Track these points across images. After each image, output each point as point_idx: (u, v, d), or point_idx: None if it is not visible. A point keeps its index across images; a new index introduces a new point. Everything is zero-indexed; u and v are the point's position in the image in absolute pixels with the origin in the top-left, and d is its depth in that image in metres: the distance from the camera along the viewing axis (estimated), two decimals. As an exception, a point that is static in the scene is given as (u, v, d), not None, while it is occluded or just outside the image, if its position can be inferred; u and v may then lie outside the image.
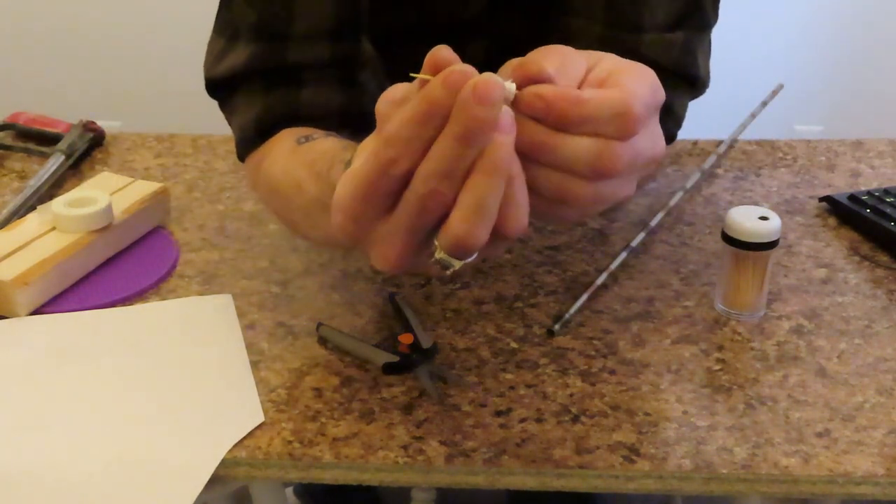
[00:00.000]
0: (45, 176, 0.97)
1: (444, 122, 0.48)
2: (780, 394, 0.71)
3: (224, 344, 0.76)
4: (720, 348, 0.76)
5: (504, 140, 0.49)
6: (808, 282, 0.84)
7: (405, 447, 0.65)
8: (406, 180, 0.51)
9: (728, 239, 0.77)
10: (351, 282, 0.83)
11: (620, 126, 0.51)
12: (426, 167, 0.49)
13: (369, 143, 0.55)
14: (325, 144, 0.73)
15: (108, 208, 0.85)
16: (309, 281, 0.84)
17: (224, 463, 0.64)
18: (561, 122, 0.51)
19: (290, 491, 1.41)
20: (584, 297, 0.80)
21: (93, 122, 1.08)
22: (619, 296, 0.82)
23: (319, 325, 0.76)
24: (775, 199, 0.98)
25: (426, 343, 0.74)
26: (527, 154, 0.51)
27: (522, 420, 0.68)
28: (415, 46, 0.92)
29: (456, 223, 0.50)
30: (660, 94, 0.55)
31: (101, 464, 0.64)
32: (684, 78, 0.83)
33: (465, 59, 0.93)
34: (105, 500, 0.62)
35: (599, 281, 0.82)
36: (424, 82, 0.50)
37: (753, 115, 1.07)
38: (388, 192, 0.51)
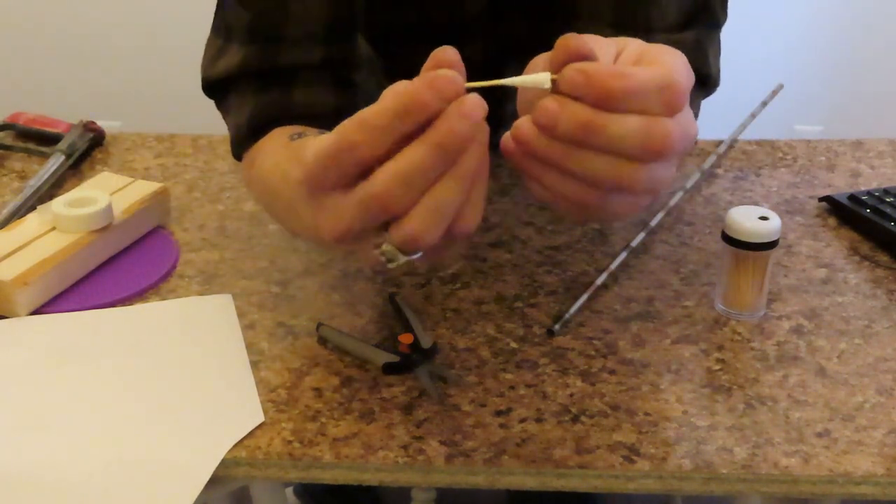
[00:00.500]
0: (45, 176, 0.98)
1: (416, 123, 0.48)
2: (780, 394, 0.71)
3: (224, 344, 0.76)
4: (720, 348, 0.76)
5: (479, 148, 0.48)
6: (808, 282, 0.84)
7: (405, 447, 0.65)
8: (366, 166, 0.50)
9: (728, 239, 0.77)
10: (351, 282, 0.83)
11: (667, 100, 0.49)
12: (390, 167, 0.48)
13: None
14: (318, 140, 0.73)
15: (108, 208, 0.85)
16: (309, 281, 0.84)
17: (224, 463, 0.64)
18: (605, 98, 0.49)
19: (290, 491, 1.41)
20: (584, 297, 0.80)
21: (93, 122, 1.08)
22: (619, 296, 0.82)
23: (319, 325, 0.76)
24: (775, 199, 0.98)
25: (426, 343, 0.74)
26: (574, 138, 0.49)
27: (522, 420, 0.68)
28: (414, 46, 0.92)
29: (412, 221, 0.49)
30: (692, 75, 0.54)
31: (101, 464, 0.64)
32: (696, 78, 0.82)
33: (464, 60, 0.93)
34: (105, 500, 0.62)
35: (599, 281, 0.82)
36: None
37: (753, 115, 1.07)
38: (346, 171, 0.50)
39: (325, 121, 0.79)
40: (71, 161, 1.02)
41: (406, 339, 0.74)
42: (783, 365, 0.74)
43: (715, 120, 1.09)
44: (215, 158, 1.05)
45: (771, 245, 0.77)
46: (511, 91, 0.54)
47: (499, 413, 0.69)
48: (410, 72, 0.77)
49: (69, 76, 2.41)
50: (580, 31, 0.81)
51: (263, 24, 0.79)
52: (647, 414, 0.69)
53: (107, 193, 0.87)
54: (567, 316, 0.78)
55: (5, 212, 0.91)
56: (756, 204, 0.96)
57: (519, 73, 0.55)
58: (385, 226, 0.51)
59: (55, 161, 1.00)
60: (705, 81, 0.84)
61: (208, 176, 1.02)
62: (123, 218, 0.87)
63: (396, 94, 0.48)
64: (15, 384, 0.72)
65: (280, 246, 0.89)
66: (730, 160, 1.05)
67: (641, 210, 0.55)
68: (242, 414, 0.68)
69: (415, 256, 0.51)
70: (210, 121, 1.10)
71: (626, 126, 0.49)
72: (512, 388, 0.71)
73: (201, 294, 0.82)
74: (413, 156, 0.48)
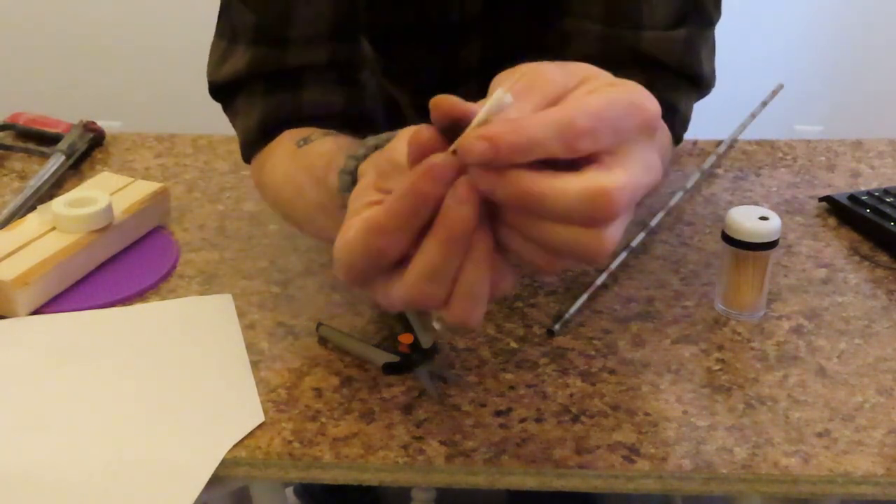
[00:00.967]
0: (46, 176, 0.98)
1: (430, 212, 0.48)
2: (779, 394, 0.71)
3: (224, 344, 0.76)
4: (720, 348, 0.76)
5: (487, 231, 0.48)
6: (808, 282, 0.84)
7: (405, 447, 0.65)
8: (401, 258, 0.50)
9: (728, 239, 0.77)
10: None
11: (566, 143, 0.46)
12: (414, 270, 0.49)
13: (371, 171, 0.54)
14: (324, 147, 0.73)
15: (108, 208, 0.85)
16: (309, 281, 0.84)
17: (224, 463, 0.64)
18: (512, 157, 0.45)
19: (290, 491, 1.41)
20: (584, 297, 0.80)
21: (93, 122, 1.08)
22: (619, 296, 0.82)
23: (319, 325, 0.76)
24: (775, 199, 0.98)
25: (426, 343, 0.74)
26: (518, 209, 0.47)
27: (522, 420, 0.68)
28: (412, 47, 0.92)
29: (454, 311, 0.50)
30: (642, 114, 0.49)
31: (101, 464, 0.64)
32: (688, 76, 0.82)
33: (461, 62, 0.93)
34: (105, 500, 0.62)
35: (599, 281, 0.82)
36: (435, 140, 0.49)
37: (753, 115, 1.07)
38: (380, 267, 0.51)
39: (334, 120, 0.79)
40: (71, 161, 1.02)
41: (406, 339, 0.74)
42: (783, 365, 0.74)
43: (715, 120, 1.09)
44: (215, 158, 1.05)
45: (771, 245, 0.77)
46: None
47: (499, 413, 0.69)
48: (408, 72, 0.78)
49: (69, 76, 2.41)
50: (571, 28, 0.81)
51: (269, 25, 0.79)
52: (647, 414, 0.69)
53: (107, 193, 0.87)
54: (567, 316, 0.78)
55: (5, 212, 0.91)
56: (756, 204, 0.96)
57: None
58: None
59: (55, 161, 1.00)
60: (698, 81, 0.83)
61: (208, 176, 1.02)
62: (123, 218, 0.87)
63: (403, 196, 0.48)
64: (15, 384, 0.72)
65: (280, 246, 0.89)
66: (730, 160, 1.05)
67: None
68: (242, 414, 0.68)
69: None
70: (210, 121, 1.10)
71: (568, 193, 0.46)
72: (512, 388, 0.71)
73: (201, 294, 0.82)
74: (430, 254, 0.48)
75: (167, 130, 1.11)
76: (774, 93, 1.09)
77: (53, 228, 0.84)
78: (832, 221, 0.94)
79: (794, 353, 0.75)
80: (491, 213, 0.48)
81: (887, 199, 0.92)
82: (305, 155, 0.74)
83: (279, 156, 0.78)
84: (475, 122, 0.46)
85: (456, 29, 0.89)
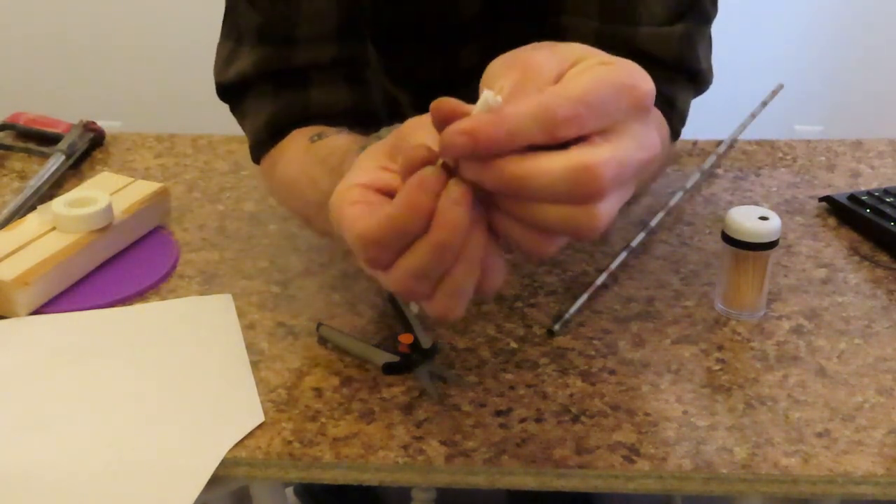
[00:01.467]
0: (46, 176, 0.98)
1: (423, 224, 0.48)
2: (779, 394, 0.71)
3: (224, 344, 0.76)
4: (720, 348, 0.76)
5: (481, 229, 0.49)
6: (808, 282, 0.84)
7: (405, 447, 0.65)
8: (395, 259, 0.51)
9: (728, 239, 0.77)
10: (351, 282, 0.83)
11: (548, 132, 0.45)
12: (403, 264, 0.50)
13: (372, 159, 0.54)
14: (338, 141, 0.74)
15: (108, 208, 0.85)
16: (309, 281, 0.84)
17: (224, 463, 0.64)
18: (492, 149, 0.46)
19: (290, 491, 1.41)
20: (584, 297, 0.80)
21: (93, 122, 1.08)
22: (619, 296, 0.82)
23: (319, 325, 0.76)
24: (775, 199, 0.98)
25: (426, 343, 0.74)
26: (506, 193, 0.47)
27: (522, 420, 0.68)
28: (412, 47, 0.92)
29: (436, 304, 0.51)
30: (633, 93, 0.48)
31: (101, 464, 0.64)
32: (685, 72, 0.82)
33: (461, 62, 0.93)
34: (105, 500, 0.62)
35: (599, 281, 0.82)
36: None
37: (753, 115, 1.07)
38: (376, 268, 0.52)
39: (342, 118, 0.80)
40: (71, 161, 1.02)
41: (406, 339, 0.74)
42: (783, 365, 0.74)
43: (715, 120, 1.10)
44: (215, 158, 1.05)
45: (771, 245, 0.77)
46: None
47: (499, 413, 0.69)
48: (409, 72, 0.77)
49: (69, 76, 2.41)
50: (569, 26, 0.81)
51: (275, 25, 0.79)
52: (647, 414, 0.69)
53: (107, 193, 0.87)
54: (567, 316, 0.78)
55: (5, 212, 0.91)
56: (756, 204, 0.96)
57: None
58: None
59: (55, 161, 1.00)
60: (695, 77, 0.83)
61: (208, 176, 1.02)
62: (123, 218, 0.87)
63: (395, 209, 0.49)
64: (15, 384, 0.72)
65: (280, 246, 0.89)
66: (730, 160, 1.05)
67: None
68: (242, 414, 0.68)
69: None
70: (210, 121, 1.10)
71: (552, 173, 0.46)
72: (512, 388, 0.71)
73: (201, 294, 0.82)
74: (421, 254, 0.49)
75: (167, 130, 1.11)
76: (774, 93, 1.09)
77: (53, 228, 0.84)
78: (832, 221, 0.94)
79: (794, 353, 0.75)
80: (485, 201, 0.48)
81: (887, 199, 0.92)
82: (319, 148, 0.74)
83: (293, 151, 0.78)
84: None
85: (455, 29, 0.89)
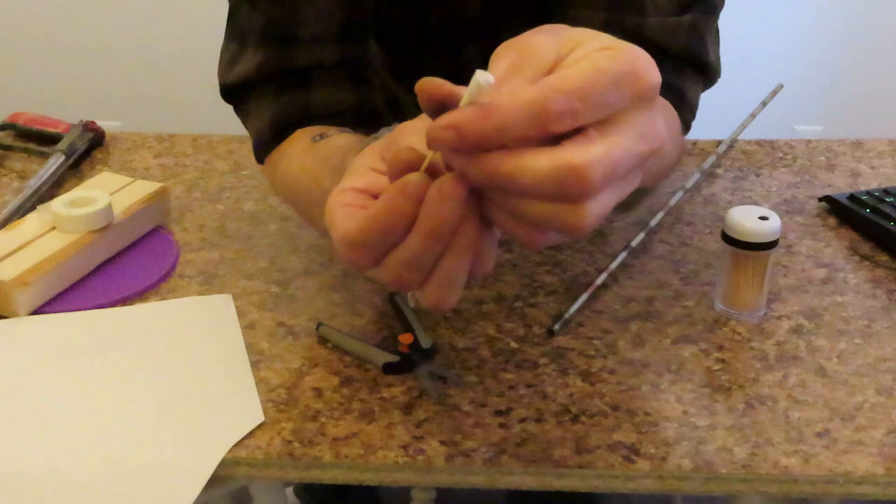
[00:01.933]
0: (45, 176, 0.98)
1: (405, 228, 0.48)
2: (779, 393, 0.71)
3: (224, 344, 0.76)
4: (720, 348, 0.76)
5: (474, 219, 0.48)
6: (807, 282, 0.84)
7: (405, 447, 0.65)
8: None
9: (728, 239, 0.77)
10: (351, 282, 0.83)
11: (541, 127, 0.44)
12: (395, 256, 0.50)
13: (365, 163, 0.55)
14: (340, 140, 0.74)
15: (108, 208, 0.85)
16: (309, 281, 0.84)
17: (224, 463, 0.64)
18: (479, 144, 0.45)
19: (290, 491, 1.41)
20: (584, 297, 0.80)
21: (93, 122, 1.08)
22: (619, 296, 0.82)
23: (319, 325, 0.76)
24: (775, 199, 0.98)
25: (426, 343, 0.74)
26: (492, 190, 0.47)
27: (522, 420, 0.68)
28: (414, 46, 0.92)
29: (429, 294, 0.51)
30: (635, 82, 0.46)
31: (101, 464, 0.64)
32: (694, 64, 0.81)
33: (462, 61, 0.93)
34: (105, 500, 0.62)
35: (599, 281, 0.82)
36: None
37: (753, 115, 1.07)
38: (361, 269, 0.52)
39: (345, 118, 0.80)
40: (71, 161, 1.02)
41: (406, 339, 0.74)
42: (783, 365, 0.74)
43: (715, 120, 1.09)
44: (215, 158, 1.05)
45: (771, 245, 0.77)
46: None
47: (499, 413, 0.69)
48: (413, 71, 0.77)
49: (69, 76, 2.41)
50: (574, 18, 0.81)
51: (278, 26, 0.79)
52: (647, 414, 0.69)
53: (107, 193, 0.87)
54: (567, 316, 0.78)
55: (5, 212, 0.91)
56: (756, 204, 0.96)
57: None
58: None
59: (55, 161, 1.00)
60: (703, 68, 0.82)
61: (208, 176, 1.02)
62: (123, 218, 0.87)
63: (377, 213, 0.49)
64: (15, 384, 0.72)
65: (280, 246, 0.89)
66: (730, 160, 1.05)
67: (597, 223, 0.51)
68: (242, 414, 0.68)
69: None
70: (210, 121, 1.10)
71: (536, 170, 0.44)
72: (512, 388, 0.71)
73: (201, 294, 0.82)
74: (412, 245, 0.49)
75: (167, 130, 1.11)
76: (774, 93, 1.09)
77: (53, 228, 0.84)
78: (832, 221, 0.94)
79: (794, 353, 0.75)
80: (477, 191, 0.48)
81: (887, 199, 0.92)
82: (322, 148, 0.75)
83: (294, 151, 0.78)
84: (461, 105, 0.46)
85: (457, 28, 0.89)
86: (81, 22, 2.39)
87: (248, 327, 0.78)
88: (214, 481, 0.64)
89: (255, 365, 0.73)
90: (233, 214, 0.94)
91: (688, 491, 0.65)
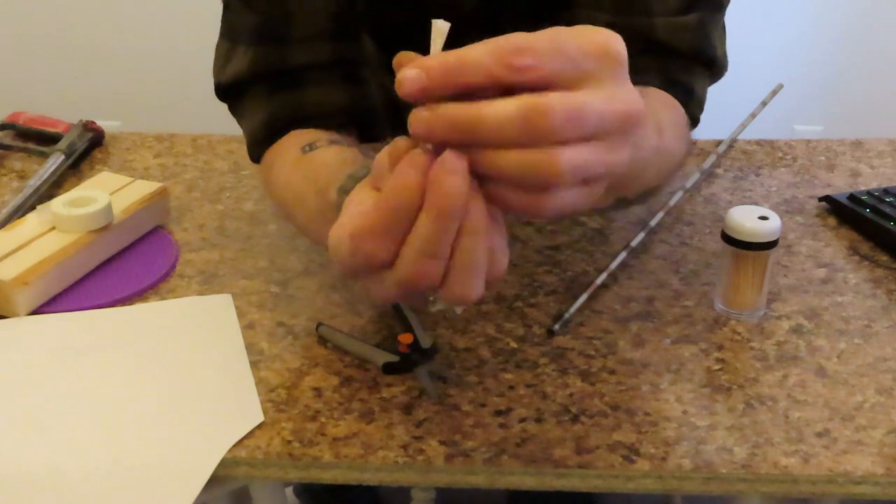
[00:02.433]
0: (45, 176, 0.97)
1: (415, 200, 0.48)
2: (779, 393, 0.71)
3: (224, 344, 0.76)
4: (720, 348, 0.76)
5: (479, 200, 0.48)
6: (807, 282, 0.84)
7: (405, 447, 0.65)
8: (391, 260, 0.50)
9: (728, 239, 0.77)
10: (351, 282, 0.83)
11: (503, 61, 0.44)
12: (408, 249, 0.49)
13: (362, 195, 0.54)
14: (328, 156, 0.74)
15: (108, 208, 0.85)
16: (309, 281, 0.84)
17: (224, 463, 0.64)
18: (444, 80, 0.46)
19: (290, 491, 1.41)
20: (584, 296, 0.80)
21: (93, 122, 1.08)
22: (619, 296, 0.82)
23: (319, 325, 0.76)
24: (775, 199, 0.98)
25: (426, 343, 0.74)
26: (456, 141, 0.47)
27: (522, 420, 0.68)
28: (411, 43, 0.92)
29: (452, 287, 0.50)
30: (600, 45, 0.47)
31: (100, 464, 0.64)
32: (702, 61, 0.81)
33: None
34: (105, 500, 0.62)
35: (599, 281, 0.82)
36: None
37: (753, 115, 1.07)
38: (370, 269, 0.51)
39: (338, 118, 0.80)
40: (70, 161, 1.02)
41: (406, 339, 0.74)
42: (783, 365, 0.74)
43: (715, 120, 1.09)
44: (215, 158, 1.05)
45: (771, 245, 0.77)
46: None
47: (498, 413, 0.69)
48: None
49: (69, 76, 2.41)
50: (579, 19, 0.81)
51: (270, 25, 0.79)
52: (646, 414, 0.69)
53: (106, 193, 0.87)
54: (567, 316, 0.78)
55: (5, 212, 0.91)
56: (756, 204, 0.96)
57: None
58: None
59: (55, 161, 1.00)
60: (711, 65, 0.82)
61: (208, 176, 1.02)
62: (123, 218, 0.87)
63: (387, 195, 0.48)
64: (14, 384, 0.71)
65: (280, 246, 0.89)
66: (730, 160, 1.05)
67: (592, 202, 0.51)
68: (242, 414, 0.68)
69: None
70: (210, 121, 1.10)
71: (500, 113, 0.45)
72: (512, 387, 0.71)
73: (201, 294, 0.82)
74: (423, 230, 0.48)
75: (167, 130, 1.11)
76: (774, 93, 1.09)
77: (53, 228, 0.84)
78: (832, 221, 0.94)
79: (794, 353, 0.75)
80: (476, 177, 0.48)
81: (887, 199, 0.92)
82: (310, 162, 0.74)
83: (283, 162, 0.78)
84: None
85: (454, 23, 0.89)
86: (81, 22, 2.39)
87: (247, 327, 0.78)
88: (214, 481, 0.64)
89: (254, 365, 0.73)
90: (232, 214, 0.94)
91: (688, 491, 0.65)
